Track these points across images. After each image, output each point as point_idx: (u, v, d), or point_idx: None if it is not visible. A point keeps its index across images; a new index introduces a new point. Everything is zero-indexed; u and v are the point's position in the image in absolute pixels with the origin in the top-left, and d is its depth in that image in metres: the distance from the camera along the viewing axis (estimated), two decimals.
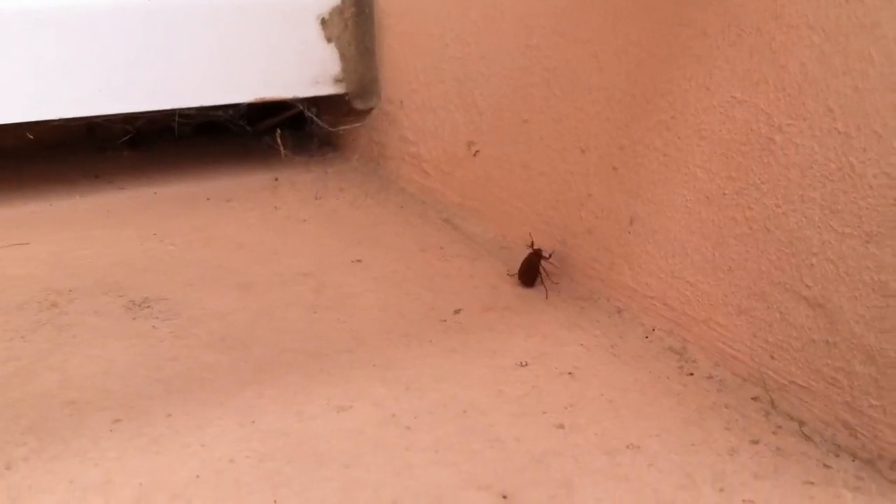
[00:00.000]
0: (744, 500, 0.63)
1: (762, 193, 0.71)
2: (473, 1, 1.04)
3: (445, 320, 0.88)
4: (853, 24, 0.62)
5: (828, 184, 0.66)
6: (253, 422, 0.71)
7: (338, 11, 1.21)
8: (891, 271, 0.62)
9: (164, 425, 0.71)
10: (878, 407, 0.65)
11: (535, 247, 0.95)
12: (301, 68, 1.20)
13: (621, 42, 0.83)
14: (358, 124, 1.26)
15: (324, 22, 1.21)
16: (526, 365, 0.80)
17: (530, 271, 0.94)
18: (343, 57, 1.22)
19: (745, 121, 0.72)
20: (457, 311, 0.90)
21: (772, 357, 0.73)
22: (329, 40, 1.21)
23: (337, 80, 1.23)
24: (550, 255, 0.94)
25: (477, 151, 1.07)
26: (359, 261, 1.02)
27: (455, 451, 0.68)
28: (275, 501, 0.62)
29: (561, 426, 0.71)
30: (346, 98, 1.25)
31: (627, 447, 0.68)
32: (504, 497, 0.63)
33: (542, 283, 0.94)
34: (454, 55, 1.08)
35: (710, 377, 0.78)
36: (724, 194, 0.75)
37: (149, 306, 0.90)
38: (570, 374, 0.79)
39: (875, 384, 0.65)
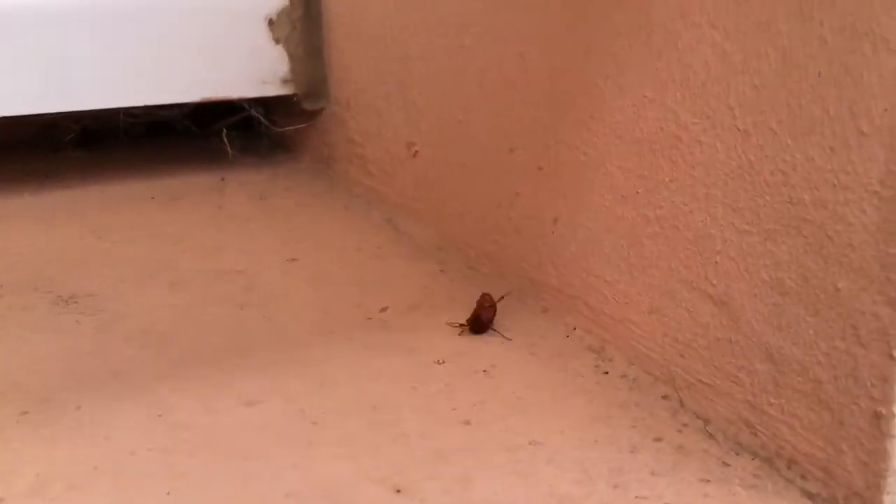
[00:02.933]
0: (637, 497, 0.63)
1: (671, 192, 0.71)
2: (413, 1, 1.04)
3: (370, 318, 0.88)
4: (750, 21, 0.63)
5: (729, 181, 0.66)
6: (160, 415, 0.71)
7: (285, 12, 1.21)
8: (786, 269, 0.62)
9: (71, 417, 0.71)
10: (776, 405, 0.65)
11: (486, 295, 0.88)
12: (248, 69, 1.21)
13: (545, 42, 0.83)
14: (304, 125, 1.27)
15: (271, 23, 1.21)
16: (443, 363, 0.80)
17: (479, 320, 0.86)
18: (291, 58, 1.23)
19: (655, 119, 0.72)
20: (383, 310, 0.90)
21: (681, 356, 0.73)
22: (277, 41, 1.22)
23: (285, 81, 1.23)
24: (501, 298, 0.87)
25: (416, 152, 1.08)
26: (294, 259, 1.02)
27: (357, 445, 0.68)
28: (168, 493, 0.62)
29: (467, 422, 0.71)
30: (296, 99, 1.25)
31: (530, 443, 0.69)
32: (398, 491, 0.63)
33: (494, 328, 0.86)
34: (395, 56, 1.09)
35: (623, 376, 0.78)
36: (638, 193, 0.75)
37: (76, 302, 0.90)
38: (485, 371, 0.79)
39: (773, 382, 0.65)
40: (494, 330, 0.86)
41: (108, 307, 0.89)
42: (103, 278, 0.96)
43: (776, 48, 0.61)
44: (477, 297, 0.87)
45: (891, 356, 0.56)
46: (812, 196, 0.60)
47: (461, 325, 0.86)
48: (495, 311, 0.86)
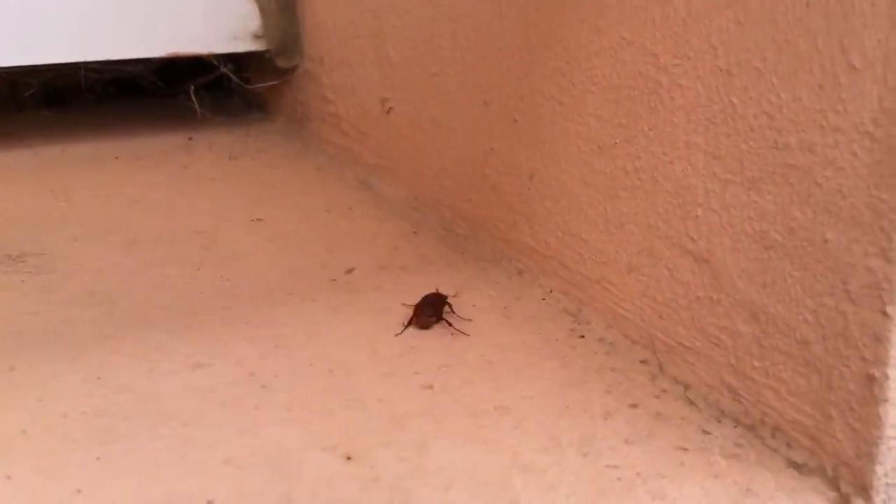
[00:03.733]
0: (607, 466, 0.58)
1: (650, 141, 0.66)
2: None
3: (335, 279, 0.83)
4: None
5: (711, 127, 0.61)
6: (99, 377, 0.66)
7: None
8: (771, 220, 0.57)
9: (5, 379, 0.66)
10: (760, 369, 0.60)
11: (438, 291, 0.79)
12: (217, 23, 1.15)
13: None
14: (277, 82, 1.21)
15: None
16: (409, 325, 0.75)
17: (428, 310, 0.76)
18: (262, 12, 1.17)
19: (634, 63, 0.67)
20: (349, 271, 0.85)
21: (660, 317, 0.68)
22: None
23: (256, 37, 1.18)
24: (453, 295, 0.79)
25: (390, 108, 1.02)
26: (259, 220, 0.97)
27: (309, 410, 0.63)
28: (98, 458, 0.57)
29: (430, 387, 0.67)
30: (268, 56, 1.19)
31: (496, 409, 0.64)
32: (348, 458, 0.58)
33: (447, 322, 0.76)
34: (369, 7, 1.03)
35: (600, 339, 0.73)
36: (616, 143, 0.70)
37: (23, 260, 0.85)
38: (452, 335, 0.74)
39: (758, 344, 0.60)
40: (448, 322, 0.76)
41: (57, 267, 0.84)
42: (55, 238, 0.90)
43: None
44: (449, 259, 0.81)
45: (884, 313, 0.51)
46: (799, 139, 0.55)
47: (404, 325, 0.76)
48: (442, 306, 0.77)
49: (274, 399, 0.64)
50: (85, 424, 0.61)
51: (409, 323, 0.75)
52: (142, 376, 0.67)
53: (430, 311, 0.75)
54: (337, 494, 0.55)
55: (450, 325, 0.75)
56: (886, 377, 0.53)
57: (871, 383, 0.53)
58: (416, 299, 0.77)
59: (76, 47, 1.08)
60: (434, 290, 0.78)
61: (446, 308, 0.76)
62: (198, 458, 0.58)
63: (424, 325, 0.75)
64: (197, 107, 1.17)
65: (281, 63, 1.19)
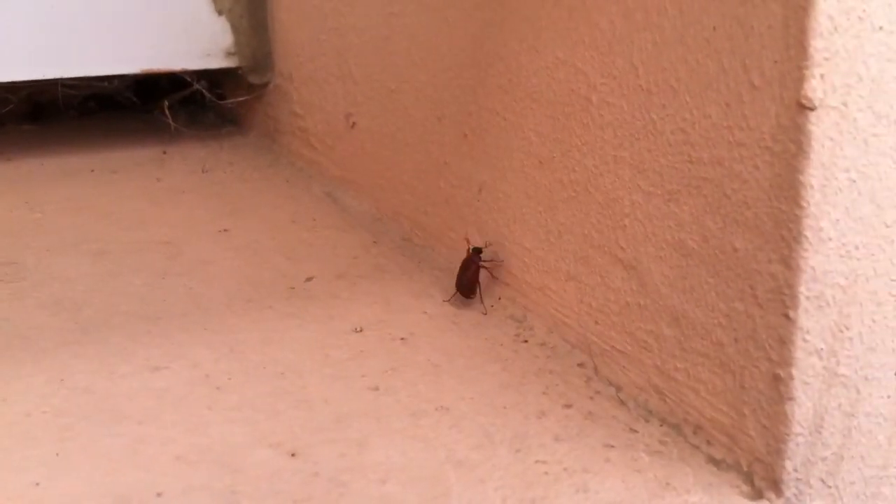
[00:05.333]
0: (536, 461, 0.61)
1: (583, 155, 0.70)
2: None
3: (294, 287, 0.87)
4: None
5: (635, 143, 0.65)
6: (62, 379, 0.70)
7: None
8: (688, 230, 0.61)
9: None
10: (682, 370, 0.64)
11: (472, 247, 0.83)
12: (190, 40, 1.19)
13: (468, 6, 0.82)
14: (246, 97, 1.25)
15: None
16: (361, 331, 0.79)
17: (467, 279, 0.81)
18: (235, 29, 1.21)
19: (567, 81, 0.71)
20: (308, 279, 0.89)
21: (595, 322, 0.72)
22: (220, 13, 1.20)
23: (229, 54, 1.21)
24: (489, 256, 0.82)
25: (354, 123, 1.06)
26: (225, 230, 1.00)
27: (258, 410, 0.67)
28: (57, 454, 0.61)
29: (376, 388, 0.70)
30: (240, 72, 1.23)
31: (436, 409, 0.67)
32: (293, 455, 0.62)
33: (480, 295, 0.81)
34: (332, 26, 1.07)
35: (542, 344, 0.76)
36: (553, 157, 0.74)
37: None
38: (402, 339, 0.78)
39: (679, 347, 0.64)
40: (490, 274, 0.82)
41: (28, 276, 0.87)
42: (28, 248, 0.94)
43: (674, 3, 0.59)
44: (405, 268, 0.85)
45: (786, 316, 0.55)
46: (710, 154, 0.58)
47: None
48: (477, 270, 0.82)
49: (226, 400, 0.68)
50: (46, 423, 0.64)
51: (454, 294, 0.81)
52: (102, 378, 0.70)
53: (464, 282, 0.81)
54: (279, 487, 0.58)
55: (492, 275, 0.81)
56: (791, 377, 0.56)
57: (778, 383, 0.57)
58: (369, 307, 0.81)
59: (53, 64, 1.11)
60: (466, 252, 0.82)
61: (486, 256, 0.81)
62: (150, 454, 0.61)
63: (466, 296, 0.82)
64: (171, 121, 1.21)
65: (253, 79, 1.23)
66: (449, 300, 0.83)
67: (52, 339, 0.76)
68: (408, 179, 0.97)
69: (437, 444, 0.63)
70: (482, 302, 0.82)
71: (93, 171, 1.18)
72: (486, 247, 0.82)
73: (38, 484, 0.58)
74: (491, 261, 0.82)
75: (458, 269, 0.82)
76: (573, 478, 0.60)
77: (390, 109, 0.98)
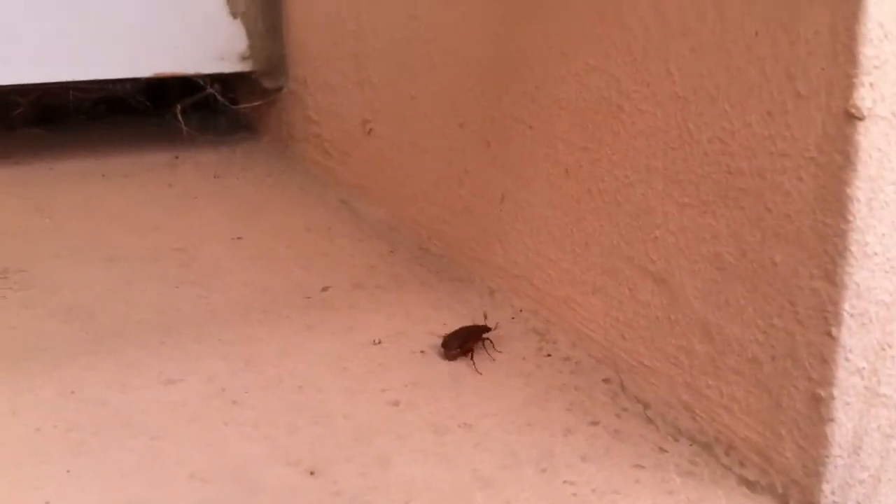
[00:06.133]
0: (564, 482, 0.59)
1: (613, 164, 0.68)
2: None
3: (310, 297, 0.85)
4: None
5: (669, 152, 0.63)
6: (73, 392, 0.68)
7: None
8: (725, 242, 0.59)
9: None
10: (714, 388, 0.62)
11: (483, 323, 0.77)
12: (205, 44, 1.17)
13: (492, 10, 0.80)
14: (260, 102, 1.23)
15: None
16: (380, 343, 0.77)
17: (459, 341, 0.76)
18: (249, 33, 1.19)
19: (598, 88, 0.69)
20: (324, 289, 0.87)
21: (623, 337, 0.69)
22: (234, 16, 1.18)
23: (244, 58, 1.19)
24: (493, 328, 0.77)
25: (371, 129, 1.04)
26: (239, 238, 0.98)
27: (276, 426, 0.65)
28: (68, 470, 0.59)
29: (396, 403, 0.68)
30: (254, 77, 1.21)
31: (459, 426, 0.65)
32: (311, 473, 0.60)
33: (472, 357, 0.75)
34: (350, 30, 1.05)
35: (566, 358, 0.74)
36: (581, 167, 0.72)
37: (5, 276, 0.86)
38: (422, 352, 0.75)
39: (712, 363, 0.61)
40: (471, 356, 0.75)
41: (38, 283, 0.85)
42: (38, 254, 0.92)
43: (714, 7, 0.57)
44: (424, 279, 0.82)
45: (829, 334, 0.53)
46: (750, 165, 0.56)
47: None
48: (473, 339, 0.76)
49: (242, 415, 0.66)
50: (57, 438, 0.62)
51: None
52: (114, 391, 0.68)
53: (456, 344, 0.75)
54: None
55: (472, 362, 0.74)
56: (832, 397, 0.54)
57: (818, 403, 0.54)
58: (388, 318, 0.79)
59: (65, 67, 1.09)
60: (471, 324, 0.78)
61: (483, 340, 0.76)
62: (164, 471, 0.59)
63: (449, 358, 0.75)
64: (183, 126, 1.19)
65: (267, 84, 1.21)
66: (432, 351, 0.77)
67: (64, 349, 0.74)
68: (426, 188, 0.95)
69: (461, 463, 0.61)
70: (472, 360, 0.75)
71: (104, 175, 1.16)
72: (494, 328, 0.77)
73: (48, 502, 0.56)
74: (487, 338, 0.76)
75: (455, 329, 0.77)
76: (603, 499, 0.58)
77: (409, 116, 0.96)
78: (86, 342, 0.75)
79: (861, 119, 0.49)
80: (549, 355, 0.75)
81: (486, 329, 0.76)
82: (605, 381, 0.71)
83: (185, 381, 0.70)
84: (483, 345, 0.76)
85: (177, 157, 1.22)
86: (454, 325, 0.79)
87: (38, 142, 1.30)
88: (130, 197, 1.10)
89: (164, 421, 0.65)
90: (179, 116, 1.19)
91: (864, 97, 0.49)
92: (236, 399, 0.68)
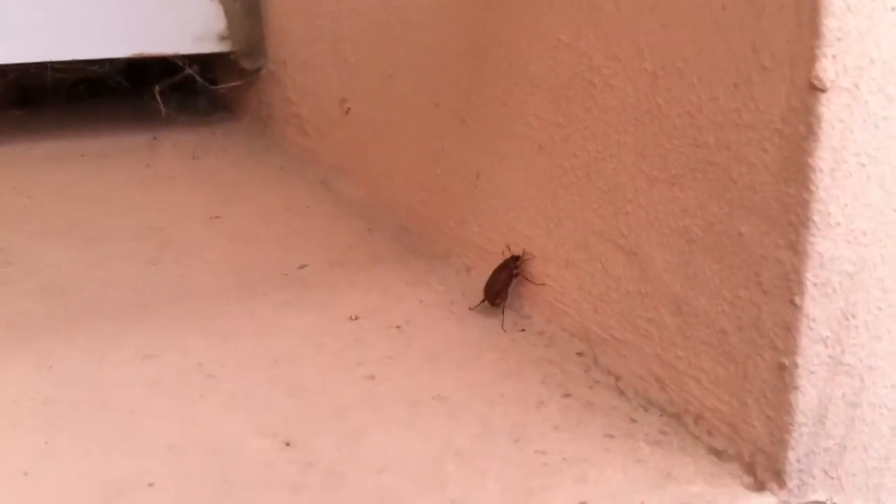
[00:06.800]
0: (536, 451, 0.60)
1: (585, 139, 0.69)
2: None
3: (287, 274, 0.86)
4: None
5: (639, 127, 0.63)
6: (51, 367, 0.69)
7: None
8: (693, 215, 0.60)
9: None
10: (683, 359, 0.63)
11: (510, 255, 0.78)
12: (182, 24, 1.17)
13: None
14: (239, 83, 1.23)
15: None
16: (356, 319, 0.78)
17: (499, 286, 0.77)
18: (228, 14, 1.19)
19: (570, 64, 0.69)
20: (302, 267, 0.87)
21: (595, 311, 0.70)
22: None
23: (222, 38, 1.20)
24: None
25: (348, 109, 1.05)
26: (217, 217, 0.99)
27: (252, 400, 0.65)
28: (46, 442, 0.59)
29: (372, 377, 0.69)
30: (233, 57, 1.21)
31: (433, 398, 0.66)
32: (287, 444, 0.60)
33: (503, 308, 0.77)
34: (328, 10, 1.06)
35: (540, 333, 0.75)
36: (554, 142, 0.72)
37: None
38: (398, 327, 0.76)
39: (682, 335, 0.62)
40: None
41: (15, 261, 0.86)
42: (16, 234, 0.92)
43: None
44: (401, 257, 0.83)
45: (793, 303, 0.54)
46: (716, 137, 0.57)
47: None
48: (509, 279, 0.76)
49: (219, 388, 0.66)
50: (34, 411, 0.63)
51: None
52: (92, 366, 0.69)
53: (495, 289, 0.76)
54: (274, 478, 0.57)
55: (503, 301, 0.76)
56: (796, 365, 0.55)
57: (782, 372, 0.56)
58: (365, 295, 0.80)
59: (41, 47, 1.09)
60: (505, 258, 0.77)
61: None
62: (141, 443, 0.60)
63: (493, 303, 0.77)
64: (162, 107, 1.19)
65: (246, 64, 1.22)
66: (475, 308, 0.79)
67: (41, 325, 0.74)
68: (403, 166, 0.96)
69: (435, 435, 0.62)
70: (503, 314, 0.77)
71: (82, 156, 1.17)
72: (524, 256, 0.77)
73: (26, 473, 0.57)
74: (522, 271, 0.77)
75: (489, 275, 0.78)
76: (573, 468, 0.59)
77: (386, 95, 0.97)
78: (63, 319, 0.76)
79: (824, 91, 0.50)
80: (523, 330, 0.76)
81: (518, 259, 0.76)
82: (579, 354, 0.72)
83: (162, 356, 0.70)
84: (516, 281, 0.77)
85: (155, 138, 1.22)
86: (431, 301, 0.80)
87: (17, 123, 1.30)
88: (109, 177, 1.10)
89: (142, 394, 0.65)
90: (158, 97, 1.19)
91: (827, 69, 0.50)
92: (213, 373, 0.68)
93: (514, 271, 0.77)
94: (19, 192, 1.04)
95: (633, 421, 0.64)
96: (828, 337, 0.55)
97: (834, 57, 0.50)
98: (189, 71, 1.20)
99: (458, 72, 0.84)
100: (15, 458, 0.58)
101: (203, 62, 1.24)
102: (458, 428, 0.63)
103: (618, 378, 0.68)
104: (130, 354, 0.70)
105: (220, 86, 1.25)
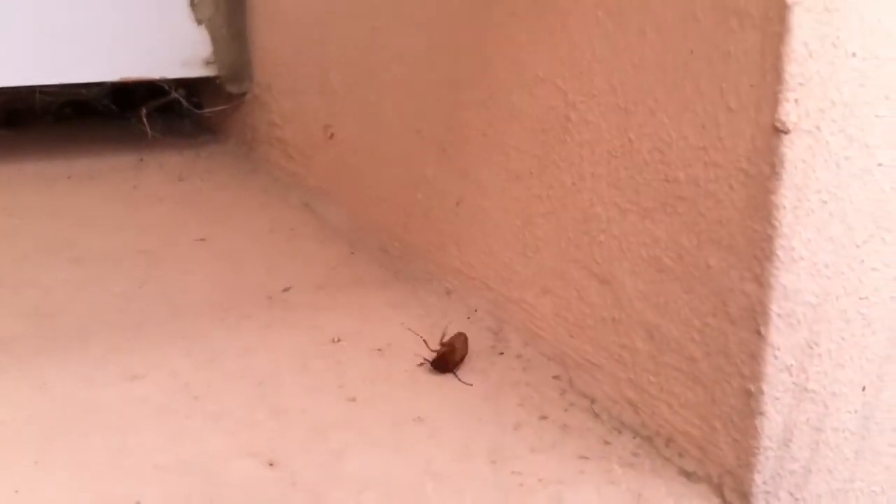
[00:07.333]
0: (512, 472, 0.62)
1: (561, 171, 0.71)
2: None
3: (272, 297, 0.88)
4: (631, 0, 0.63)
5: (612, 160, 0.66)
6: (40, 387, 0.70)
7: None
8: (663, 246, 0.63)
9: None
10: (655, 383, 0.65)
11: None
12: (169, 49, 1.19)
13: (449, 22, 0.83)
14: (225, 107, 1.25)
15: (193, 4, 1.20)
16: (339, 341, 0.80)
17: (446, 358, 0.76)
18: (214, 39, 1.21)
19: (547, 99, 0.72)
20: (286, 289, 0.89)
21: (571, 336, 0.73)
22: (199, 22, 1.21)
23: (208, 63, 1.22)
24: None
25: (332, 134, 1.07)
26: (203, 239, 1.01)
27: (236, 420, 0.67)
28: (36, 462, 0.61)
29: (353, 399, 0.71)
30: (218, 82, 1.23)
31: (414, 420, 0.68)
32: (271, 464, 0.62)
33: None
34: (315, 38, 1.08)
35: (519, 356, 0.77)
36: (532, 173, 0.75)
37: None
38: (380, 350, 0.78)
39: (653, 360, 0.65)
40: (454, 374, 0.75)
41: (5, 282, 0.87)
42: (5, 255, 0.94)
43: (653, 26, 0.61)
44: (383, 280, 0.85)
45: (758, 332, 0.57)
46: (686, 174, 0.60)
47: (424, 359, 0.76)
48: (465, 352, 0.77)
49: (204, 409, 0.68)
50: (25, 431, 0.65)
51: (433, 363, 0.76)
52: (81, 386, 0.70)
53: (442, 362, 0.75)
54: (257, 497, 0.59)
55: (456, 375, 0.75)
56: (762, 392, 0.58)
57: (749, 398, 0.58)
58: (347, 318, 0.82)
59: (31, 70, 1.11)
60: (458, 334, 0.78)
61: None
62: (129, 463, 0.62)
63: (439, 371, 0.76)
64: (148, 129, 1.21)
65: (231, 89, 1.24)
66: (421, 365, 0.77)
67: (31, 346, 0.76)
68: (386, 192, 0.98)
69: (414, 456, 0.64)
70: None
71: (70, 177, 1.18)
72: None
73: (17, 491, 0.58)
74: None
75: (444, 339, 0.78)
76: (548, 489, 0.61)
77: (369, 122, 0.99)
78: (52, 340, 0.77)
79: (787, 133, 0.53)
80: (502, 353, 0.78)
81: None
82: (555, 377, 0.74)
83: (149, 377, 0.72)
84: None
85: (142, 160, 1.24)
86: (412, 324, 0.82)
87: (5, 144, 1.31)
88: (96, 199, 1.12)
89: (130, 415, 0.67)
90: (145, 120, 1.21)
91: (790, 112, 0.53)
92: (198, 394, 0.70)
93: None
94: (8, 212, 1.06)
95: (607, 443, 0.66)
96: (792, 365, 0.58)
97: (796, 101, 0.53)
98: (175, 95, 1.22)
99: (440, 101, 0.86)
100: (6, 476, 0.60)
101: (189, 86, 1.26)
102: (438, 450, 0.65)
103: (592, 401, 0.71)
104: (118, 375, 0.72)
105: (206, 110, 1.27)
